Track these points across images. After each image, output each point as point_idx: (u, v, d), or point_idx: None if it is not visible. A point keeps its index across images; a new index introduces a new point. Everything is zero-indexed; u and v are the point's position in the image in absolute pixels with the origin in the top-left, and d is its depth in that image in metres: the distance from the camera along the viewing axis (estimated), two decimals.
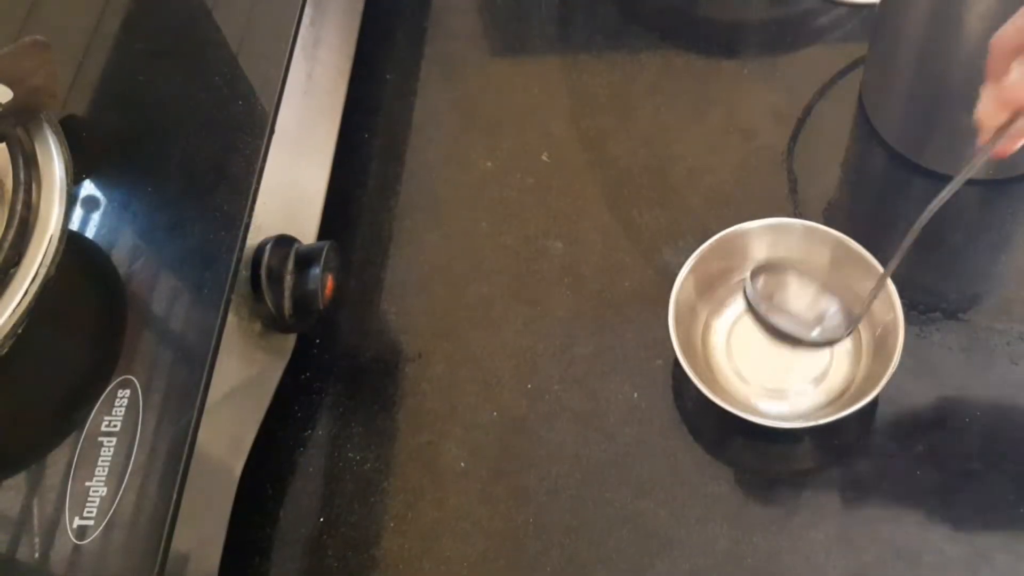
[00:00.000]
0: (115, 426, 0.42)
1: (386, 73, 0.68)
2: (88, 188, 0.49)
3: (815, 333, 0.51)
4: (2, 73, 0.47)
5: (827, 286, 0.52)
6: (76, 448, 0.41)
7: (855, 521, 0.48)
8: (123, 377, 0.43)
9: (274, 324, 0.50)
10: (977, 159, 0.44)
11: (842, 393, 0.50)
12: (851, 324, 0.50)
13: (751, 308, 0.52)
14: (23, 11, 0.57)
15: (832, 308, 0.51)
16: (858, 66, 0.63)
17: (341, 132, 0.61)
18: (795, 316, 0.52)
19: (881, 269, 0.50)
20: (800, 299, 0.52)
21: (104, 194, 0.49)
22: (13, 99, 0.47)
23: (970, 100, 0.53)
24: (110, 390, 0.43)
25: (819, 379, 0.51)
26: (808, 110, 0.63)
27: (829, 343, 0.51)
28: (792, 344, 0.51)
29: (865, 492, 0.49)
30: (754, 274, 0.52)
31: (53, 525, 0.40)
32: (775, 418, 0.50)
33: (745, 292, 0.51)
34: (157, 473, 0.41)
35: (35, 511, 0.41)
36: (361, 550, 0.50)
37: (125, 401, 0.42)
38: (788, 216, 0.54)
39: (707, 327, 0.53)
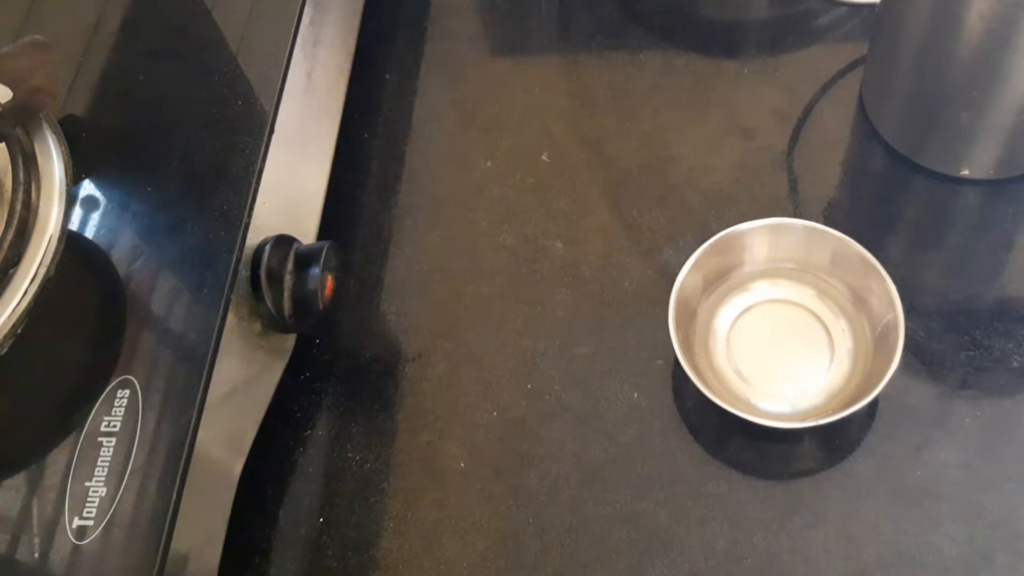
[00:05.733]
0: (115, 426, 0.42)
1: (386, 73, 0.68)
2: (88, 188, 0.49)
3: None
4: (2, 73, 0.47)
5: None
6: (76, 448, 0.41)
7: (855, 521, 0.48)
8: (123, 377, 0.43)
9: (274, 324, 0.49)
10: None
11: (842, 393, 0.50)
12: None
13: None
14: (23, 11, 0.57)
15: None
16: (858, 66, 0.63)
17: (341, 132, 0.61)
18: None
19: (881, 269, 0.50)
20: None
21: (104, 194, 0.49)
22: (13, 99, 0.47)
23: (970, 100, 0.54)
24: (110, 390, 0.43)
25: (819, 379, 0.51)
26: (808, 110, 0.63)
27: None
28: None
29: (865, 492, 0.49)
30: None
31: (53, 525, 0.40)
32: (775, 418, 0.50)
33: None
34: (157, 473, 0.41)
35: (35, 511, 0.41)
36: (361, 550, 0.50)
37: (125, 401, 0.42)
38: (788, 216, 0.54)
39: (707, 327, 0.53)
